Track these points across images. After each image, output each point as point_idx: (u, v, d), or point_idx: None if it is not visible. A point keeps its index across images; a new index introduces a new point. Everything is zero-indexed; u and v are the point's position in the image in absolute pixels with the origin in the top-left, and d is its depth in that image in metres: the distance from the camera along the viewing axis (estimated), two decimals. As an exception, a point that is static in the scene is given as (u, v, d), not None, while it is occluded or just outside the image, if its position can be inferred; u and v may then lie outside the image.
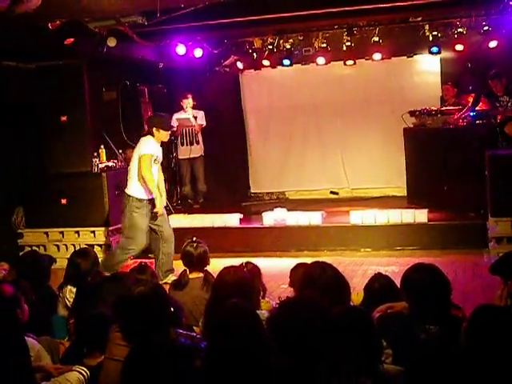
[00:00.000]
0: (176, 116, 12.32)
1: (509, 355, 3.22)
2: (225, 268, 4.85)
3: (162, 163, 8.71)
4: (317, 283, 4.36)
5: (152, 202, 8.38)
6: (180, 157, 12.54)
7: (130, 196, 8.41)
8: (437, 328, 3.91)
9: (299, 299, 3.79)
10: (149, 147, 8.38)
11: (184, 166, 12.58)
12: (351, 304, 4.75)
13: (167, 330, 3.93)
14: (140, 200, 8.36)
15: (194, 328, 5.07)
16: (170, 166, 12.88)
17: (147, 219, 8.43)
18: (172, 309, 4.28)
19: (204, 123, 12.21)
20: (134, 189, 8.41)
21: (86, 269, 5.85)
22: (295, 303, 3.50)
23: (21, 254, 9.32)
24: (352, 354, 3.33)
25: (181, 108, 12.35)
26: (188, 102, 12.11)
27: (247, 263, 5.45)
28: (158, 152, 8.52)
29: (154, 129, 8.43)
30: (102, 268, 7.34)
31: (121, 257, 8.48)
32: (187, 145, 12.24)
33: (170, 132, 8.72)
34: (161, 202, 8.41)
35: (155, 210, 8.35)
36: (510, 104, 10.33)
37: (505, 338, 3.29)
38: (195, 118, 12.07)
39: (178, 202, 12.90)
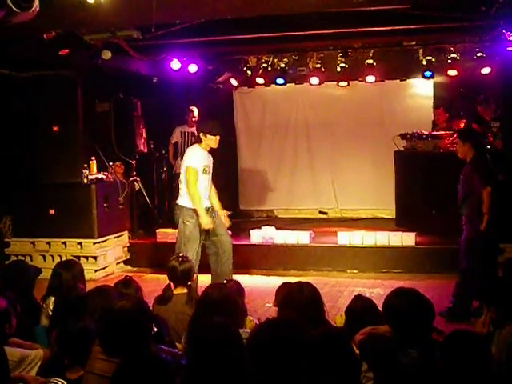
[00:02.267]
0: (179, 129, 12.39)
1: (478, 380, 3.26)
2: (210, 285, 4.86)
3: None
4: (294, 303, 4.38)
5: (207, 208, 8.22)
6: (177, 171, 12.57)
7: (181, 206, 8.24)
8: (418, 352, 3.91)
9: (278, 320, 3.80)
10: (193, 158, 8.22)
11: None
12: (333, 325, 4.77)
13: (148, 346, 3.92)
14: (192, 210, 8.14)
15: (177, 344, 5.05)
16: (160, 180, 12.87)
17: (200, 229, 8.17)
18: (155, 325, 4.27)
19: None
20: (184, 199, 8.23)
21: (66, 280, 5.82)
22: (274, 324, 3.50)
23: (7, 263, 9.27)
24: (328, 376, 3.34)
25: (184, 121, 12.41)
26: (193, 117, 12.18)
27: (229, 281, 5.45)
28: (206, 161, 8.32)
29: (201, 134, 8.26)
30: None
31: None
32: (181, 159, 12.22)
33: (218, 137, 8.31)
34: (205, 217, 8.09)
35: (202, 227, 8.10)
36: (497, 130, 10.39)
37: (475, 364, 3.32)
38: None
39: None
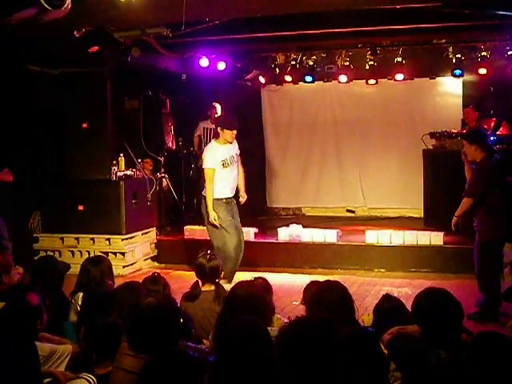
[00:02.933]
0: (202, 124, 12.44)
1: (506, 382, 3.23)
2: (238, 282, 4.86)
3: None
4: (324, 302, 4.37)
5: (229, 200, 8.83)
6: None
7: (205, 197, 8.77)
8: (447, 353, 3.88)
9: (308, 318, 3.79)
10: (208, 159, 8.72)
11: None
12: (362, 324, 4.74)
13: (176, 343, 3.93)
14: (217, 199, 8.69)
15: (204, 341, 5.07)
16: (188, 177, 12.91)
17: (229, 217, 8.77)
18: (181, 320, 4.28)
19: None
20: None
21: (94, 276, 5.85)
22: (304, 322, 3.49)
23: (36, 258, 9.36)
24: (357, 375, 3.34)
25: (207, 117, 12.45)
26: (216, 113, 12.21)
27: (257, 278, 5.45)
28: (225, 155, 8.73)
29: (219, 128, 8.75)
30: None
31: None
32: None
33: (234, 131, 8.73)
34: (212, 213, 8.63)
35: (210, 220, 8.65)
36: None
37: (502, 366, 3.29)
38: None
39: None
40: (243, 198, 9.15)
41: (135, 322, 3.96)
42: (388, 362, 3.90)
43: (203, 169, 8.80)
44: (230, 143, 8.80)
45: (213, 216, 8.62)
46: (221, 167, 8.71)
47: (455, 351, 3.82)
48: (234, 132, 8.76)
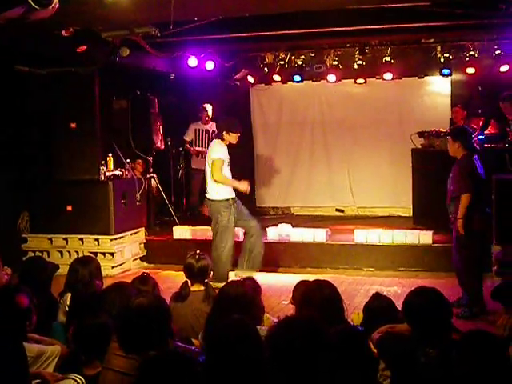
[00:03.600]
0: (194, 126, 12.43)
1: (493, 380, 3.24)
2: (229, 282, 4.86)
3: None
4: (314, 301, 4.37)
5: (234, 200, 8.95)
6: (193, 166, 12.57)
7: (212, 200, 8.94)
8: (437, 352, 3.89)
9: (297, 318, 3.79)
10: (219, 151, 8.85)
11: (195, 176, 12.60)
12: (351, 323, 4.75)
13: (166, 343, 3.92)
14: (225, 200, 8.86)
15: (193, 341, 5.06)
16: (177, 177, 12.91)
17: (234, 218, 8.92)
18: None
19: None
20: (214, 192, 8.92)
21: (83, 276, 5.84)
22: (293, 322, 3.49)
23: (25, 258, 9.32)
24: (346, 374, 3.34)
25: (198, 118, 12.44)
26: (207, 115, 12.21)
27: (246, 279, 5.45)
28: (227, 155, 8.97)
29: (225, 132, 8.90)
30: (215, 280, 7.72)
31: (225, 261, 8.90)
32: (202, 157, 12.21)
33: (239, 134, 9.02)
34: (240, 184, 8.99)
35: (244, 190, 9.00)
36: None
37: (490, 365, 3.30)
38: (214, 132, 12.08)
39: (188, 214, 12.91)
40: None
41: (126, 323, 3.95)
42: (378, 361, 3.91)
43: (213, 160, 8.84)
44: (234, 145, 9.06)
45: (243, 186, 8.97)
46: (227, 165, 8.96)
47: (445, 350, 3.83)
48: (238, 135, 9.02)
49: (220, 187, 8.88)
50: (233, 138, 8.92)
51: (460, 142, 7.61)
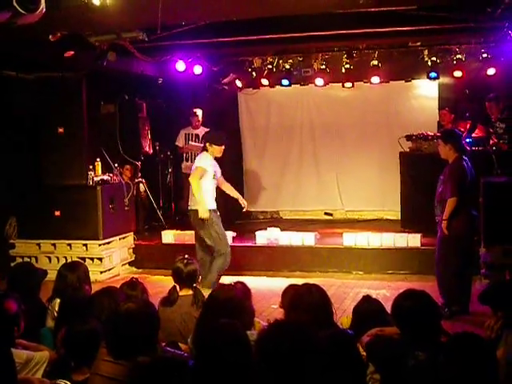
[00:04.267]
0: (184, 131, 12.40)
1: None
2: (218, 286, 4.85)
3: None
4: (302, 305, 4.37)
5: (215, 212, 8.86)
6: (183, 171, 12.56)
7: (194, 210, 8.77)
8: (426, 355, 3.90)
9: (287, 322, 3.79)
10: (202, 161, 8.81)
11: (186, 180, 12.57)
12: (340, 326, 4.75)
13: (155, 348, 3.91)
14: (213, 210, 8.81)
15: (181, 345, 5.05)
16: (166, 182, 12.89)
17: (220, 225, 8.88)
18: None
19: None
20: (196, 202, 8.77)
21: (71, 282, 5.81)
22: (282, 326, 3.49)
23: (13, 264, 9.28)
24: (336, 377, 3.34)
25: (189, 124, 12.41)
26: (197, 120, 12.19)
27: (237, 283, 5.44)
28: (214, 167, 8.89)
29: (207, 144, 8.89)
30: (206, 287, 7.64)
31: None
32: (192, 161, 12.18)
33: (223, 147, 8.95)
34: (204, 206, 8.66)
35: (199, 215, 8.65)
36: (503, 131, 10.37)
37: (478, 367, 3.31)
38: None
39: (176, 219, 12.86)
40: (244, 203, 9.40)
41: (114, 328, 3.94)
42: (367, 364, 3.91)
43: (195, 167, 8.84)
44: (217, 158, 8.96)
45: (204, 209, 8.63)
46: (211, 176, 8.84)
47: (433, 353, 3.83)
48: (223, 148, 8.96)
49: (209, 196, 8.83)
50: (216, 150, 8.88)
51: (451, 144, 7.68)
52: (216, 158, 8.96)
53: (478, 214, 7.82)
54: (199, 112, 12.39)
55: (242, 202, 9.33)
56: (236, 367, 3.31)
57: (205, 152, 8.92)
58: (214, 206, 8.87)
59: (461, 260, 7.64)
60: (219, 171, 9.06)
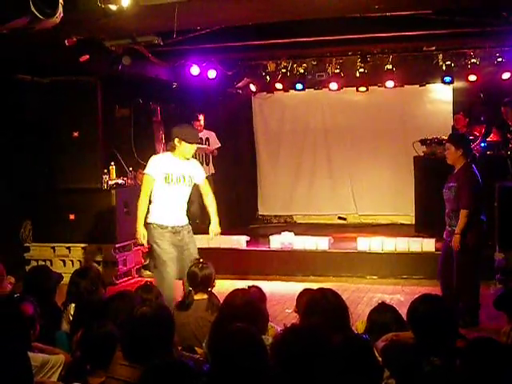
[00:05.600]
0: None
1: None
2: (233, 290, 4.85)
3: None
4: (319, 310, 4.36)
5: (178, 229, 7.30)
6: None
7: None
8: (441, 360, 3.88)
9: (302, 326, 3.79)
10: (150, 163, 7.33)
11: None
12: (355, 331, 4.74)
13: (170, 352, 3.92)
14: (160, 226, 7.20)
15: (196, 349, 5.05)
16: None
17: (171, 249, 7.19)
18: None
19: (219, 144, 12.16)
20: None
21: (85, 288, 5.82)
22: (298, 330, 3.49)
23: (29, 267, 9.33)
24: (351, 382, 3.33)
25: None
26: (199, 125, 12.17)
27: (251, 287, 5.44)
28: (171, 168, 7.21)
29: (176, 140, 7.18)
30: None
31: None
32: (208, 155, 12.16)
33: (194, 146, 7.31)
34: (140, 227, 7.17)
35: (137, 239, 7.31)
36: None
37: (496, 372, 3.29)
38: (207, 139, 12.06)
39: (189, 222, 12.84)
40: (213, 231, 7.57)
41: (129, 332, 3.95)
42: (382, 369, 3.90)
43: (144, 172, 7.40)
44: (187, 159, 7.33)
45: (141, 234, 7.14)
46: (162, 181, 7.17)
47: (449, 358, 3.82)
48: (194, 147, 7.33)
49: (158, 208, 7.25)
50: (185, 148, 7.20)
51: (463, 150, 7.52)
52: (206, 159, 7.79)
53: (486, 219, 7.61)
54: (201, 117, 12.32)
55: (213, 228, 7.56)
56: (251, 372, 3.30)
57: (168, 153, 7.41)
58: (173, 222, 7.25)
59: (478, 270, 7.56)
60: (189, 176, 7.31)
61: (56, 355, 4.73)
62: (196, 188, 8.69)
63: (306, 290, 5.27)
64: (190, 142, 7.21)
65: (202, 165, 12.12)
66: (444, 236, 7.78)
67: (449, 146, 7.71)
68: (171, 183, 7.19)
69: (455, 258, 7.54)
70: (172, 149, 7.30)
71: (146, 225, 7.19)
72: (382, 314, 4.82)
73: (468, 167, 7.52)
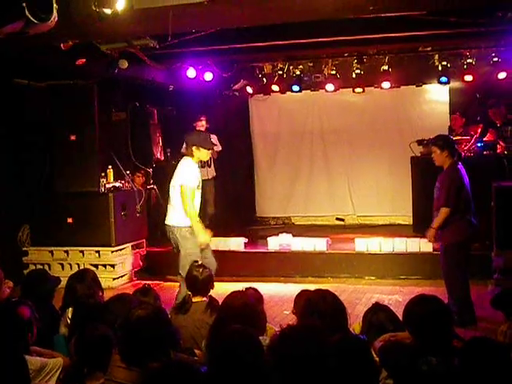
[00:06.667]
0: None
1: None
2: (232, 292, 4.86)
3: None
4: (317, 311, 4.37)
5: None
6: None
7: (174, 227, 7.81)
8: (438, 360, 3.89)
9: (299, 327, 3.79)
10: (189, 175, 7.76)
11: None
12: (352, 332, 4.74)
13: (167, 354, 3.92)
14: (189, 227, 7.72)
15: (195, 351, 5.06)
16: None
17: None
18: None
19: (220, 148, 12.13)
20: (175, 218, 7.81)
21: (82, 292, 5.82)
22: (295, 331, 3.50)
23: (27, 271, 9.32)
24: (349, 382, 3.34)
25: (193, 129, 12.41)
26: (202, 125, 12.15)
27: (248, 288, 5.45)
28: (199, 176, 7.94)
29: (194, 147, 7.78)
30: None
31: None
32: (200, 167, 12.15)
33: (211, 151, 8.18)
34: (203, 234, 7.71)
35: (200, 245, 7.70)
36: (509, 134, 10.37)
37: (494, 372, 3.30)
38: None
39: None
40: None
41: (125, 335, 3.95)
42: (380, 370, 3.91)
43: (182, 186, 7.69)
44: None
45: (204, 238, 7.70)
46: (196, 189, 7.82)
47: (446, 358, 3.83)
48: (211, 152, 8.21)
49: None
50: (204, 154, 7.90)
51: (448, 151, 7.61)
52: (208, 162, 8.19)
53: (476, 222, 7.64)
54: (203, 118, 12.34)
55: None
56: (249, 373, 3.32)
57: (189, 160, 7.86)
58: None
59: (465, 268, 7.60)
60: (200, 179, 8.00)
61: (54, 358, 4.74)
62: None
63: (303, 292, 5.28)
64: (207, 148, 7.88)
65: (204, 167, 12.14)
66: None
67: (434, 149, 7.79)
68: (199, 189, 7.88)
69: (441, 257, 7.69)
70: (190, 155, 7.85)
71: (180, 229, 7.72)
72: (377, 314, 4.82)
73: (453, 167, 7.58)
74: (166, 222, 7.96)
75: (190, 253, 7.63)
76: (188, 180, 7.72)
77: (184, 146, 11.43)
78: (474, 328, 7.05)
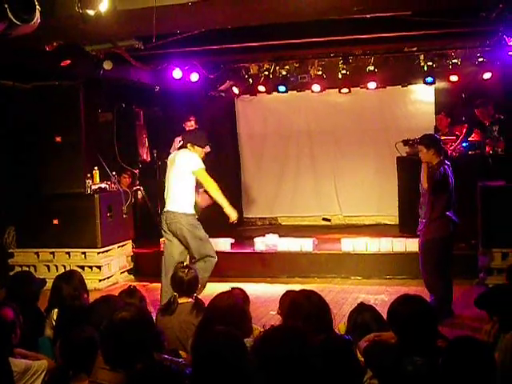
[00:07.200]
0: (179, 138, 12.36)
1: None
2: (218, 294, 4.86)
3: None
4: (301, 312, 4.38)
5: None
6: None
7: (179, 213, 8.12)
8: (423, 359, 3.90)
9: (282, 328, 3.79)
10: (197, 160, 8.09)
11: None
12: (337, 333, 4.75)
13: (151, 356, 3.91)
14: (193, 214, 8.18)
15: (181, 353, 5.05)
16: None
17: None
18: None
19: (209, 149, 12.10)
20: (180, 205, 8.14)
21: (68, 292, 5.80)
22: (278, 332, 3.50)
23: (13, 273, 9.29)
24: (333, 382, 3.35)
25: (183, 130, 12.40)
26: (191, 125, 12.13)
27: (234, 288, 5.44)
28: None
29: (189, 145, 8.18)
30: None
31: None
32: None
33: (207, 149, 8.51)
34: (230, 208, 8.22)
35: (231, 219, 8.27)
36: (497, 133, 10.42)
37: (478, 370, 3.32)
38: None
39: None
40: None
41: (108, 337, 3.94)
42: (365, 370, 3.92)
43: (199, 170, 8.05)
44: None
45: (233, 213, 8.19)
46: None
47: (431, 357, 3.84)
48: (207, 150, 8.49)
49: (191, 200, 8.23)
50: (198, 152, 8.17)
51: (434, 149, 7.69)
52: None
53: (457, 220, 7.72)
54: (192, 118, 12.34)
55: None
56: (233, 374, 3.32)
57: (187, 150, 8.22)
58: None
59: (445, 266, 7.68)
60: None
61: (39, 361, 4.72)
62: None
63: (288, 292, 5.28)
64: (202, 146, 8.22)
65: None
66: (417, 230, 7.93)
67: (421, 148, 7.88)
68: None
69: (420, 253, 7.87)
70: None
71: (186, 215, 8.11)
72: (362, 314, 4.83)
73: (442, 165, 7.66)
74: (170, 208, 8.23)
75: (203, 238, 8.16)
76: (200, 163, 8.10)
77: (172, 146, 11.62)
78: (458, 327, 7.07)
